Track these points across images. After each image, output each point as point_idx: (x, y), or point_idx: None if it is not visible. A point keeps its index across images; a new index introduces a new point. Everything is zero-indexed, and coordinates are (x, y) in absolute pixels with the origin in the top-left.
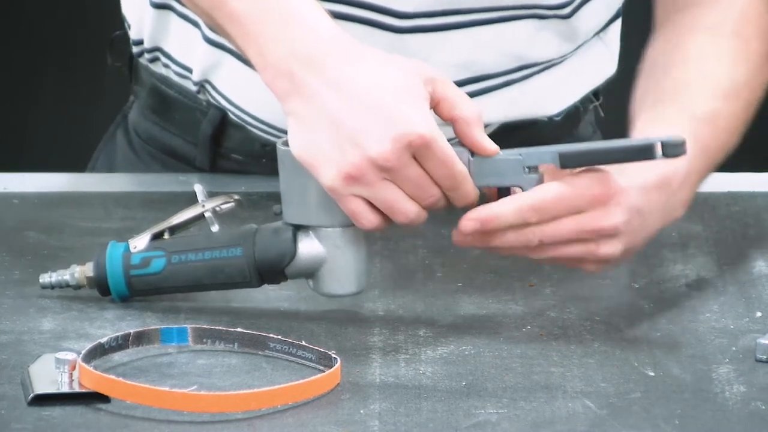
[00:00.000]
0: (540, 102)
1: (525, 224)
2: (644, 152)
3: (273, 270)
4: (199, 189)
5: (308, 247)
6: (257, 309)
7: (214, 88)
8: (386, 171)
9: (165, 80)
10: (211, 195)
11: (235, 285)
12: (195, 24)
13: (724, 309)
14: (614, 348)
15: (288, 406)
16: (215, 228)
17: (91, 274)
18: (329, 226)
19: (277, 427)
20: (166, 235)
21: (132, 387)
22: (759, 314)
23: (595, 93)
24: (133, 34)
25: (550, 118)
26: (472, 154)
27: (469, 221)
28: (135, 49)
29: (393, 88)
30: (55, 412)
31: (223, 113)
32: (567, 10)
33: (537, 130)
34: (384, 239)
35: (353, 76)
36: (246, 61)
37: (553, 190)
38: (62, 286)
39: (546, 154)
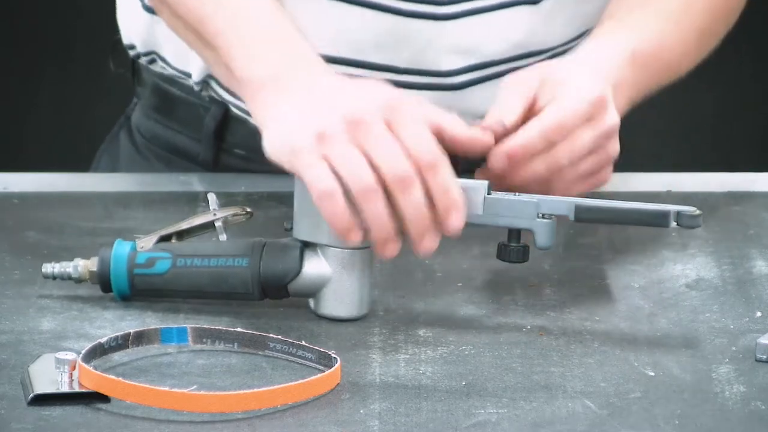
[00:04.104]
0: None
1: (551, 146)
2: (659, 218)
3: (276, 285)
4: (212, 198)
5: (314, 265)
6: (257, 309)
7: (217, 83)
8: (357, 125)
9: (166, 78)
10: (222, 205)
11: (236, 296)
12: None
13: (724, 309)
14: (614, 348)
15: (288, 406)
16: (223, 237)
17: (94, 268)
18: (338, 246)
19: (277, 427)
20: (174, 239)
21: (132, 387)
22: (759, 314)
23: None
24: (124, 39)
25: None
26: (489, 192)
27: (499, 156)
28: (131, 53)
29: (380, 85)
30: (55, 412)
31: (225, 108)
32: None
33: None
34: None
35: (331, 79)
36: None
37: (567, 105)
38: (64, 277)
39: (562, 203)
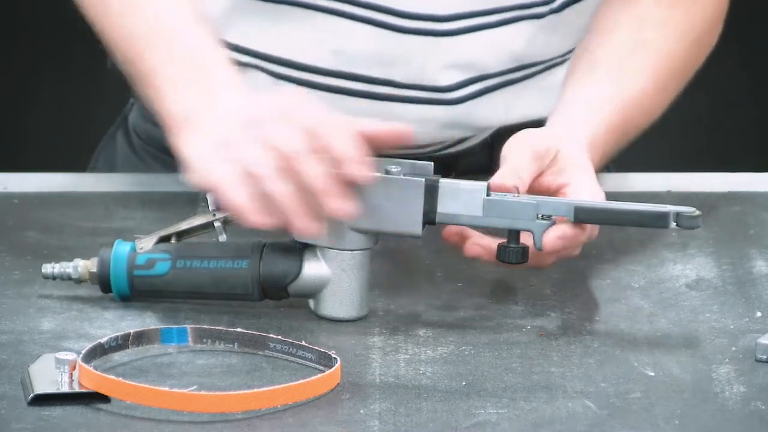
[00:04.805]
0: (540, 103)
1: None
2: (658, 219)
3: (276, 286)
4: (211, 198)
5: (314, 267)
6: (257, 309)
7: None
8: (251, 124)
9: None
10: None
11: (236, 296)
12: None
13: (724, 309)
14: (614, 348)
15: (288, 406)
16: (222, 238)
17: (94, 269)
18: (337, 248)
19: (277, 427)
20: (173, 240)
21: (132, 387)
22: (759, 314)
23: None
24: None
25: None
26: (488, 193)
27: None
28: None
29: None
30: (55, 412)
31: None
32: (556, 4)
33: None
34: (384, 239)
35: (243, 99)
36: (264, 71)
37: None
38: (64, 278)
39: (562, 205)
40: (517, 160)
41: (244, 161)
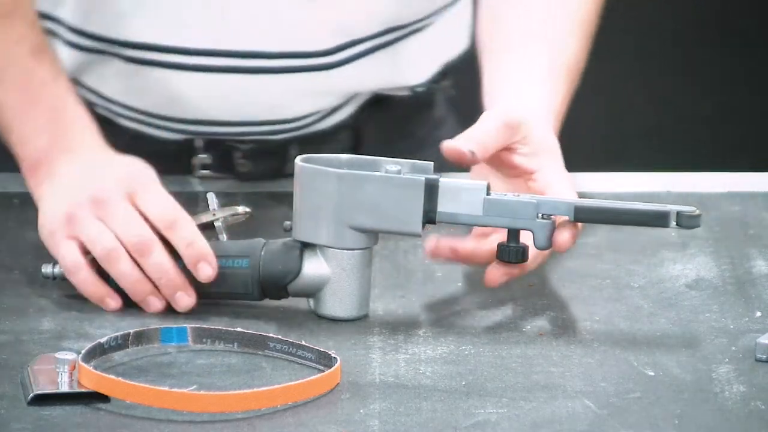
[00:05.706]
0: (405, 70)
1: None
2: (659, 218)
3: (276, 285)
4: (211, 197)
5: (314, 266)
6: (257, 309)
7: (83, 86)
8: (99, 204)
9: None
10: (222, 205)
11: (236, 296)
12: (51, 33)
13: (724, 309)
14: (614, 348)
15: (288, 406)
16: (223, 238)
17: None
18: (338, 247)
19: (277, 427)
20: None
21: (131, 387)
22: (759, 314)
23: (444, 73)
24: None
25: (413, 90)
26: (489, 192)
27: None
28: None
29: (128, 161)
30: (55, 411)
31: (89, 108)
32: None
33: (395, 107)
34: (384, 239)
35: (99, 157)
36: (125, 58)
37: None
38: (63, 277)
39: (561, 204)
40: (486, 125)
41: (88, 239)
